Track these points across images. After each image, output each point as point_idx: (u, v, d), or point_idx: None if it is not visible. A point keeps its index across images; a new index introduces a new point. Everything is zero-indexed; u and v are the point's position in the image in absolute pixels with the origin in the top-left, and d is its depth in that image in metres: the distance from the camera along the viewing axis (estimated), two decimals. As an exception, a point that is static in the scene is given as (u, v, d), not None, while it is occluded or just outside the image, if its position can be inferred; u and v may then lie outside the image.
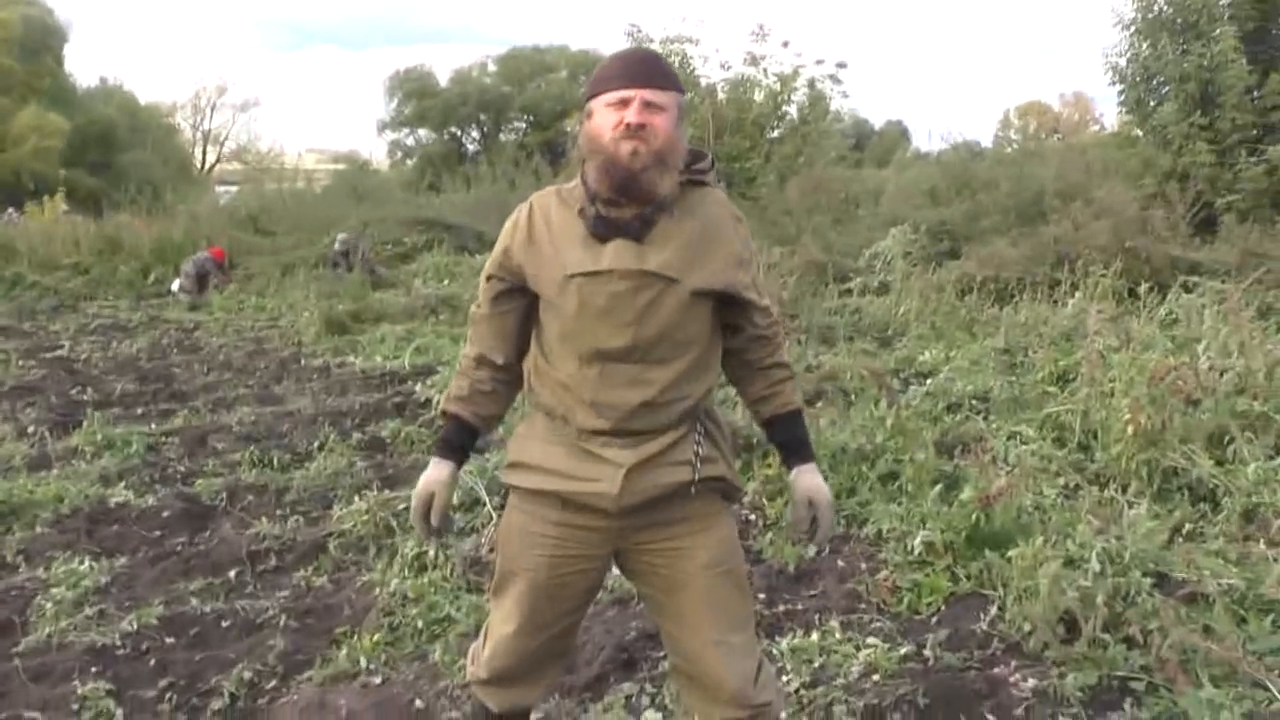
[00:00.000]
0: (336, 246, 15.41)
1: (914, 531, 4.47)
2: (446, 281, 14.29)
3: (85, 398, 8.36)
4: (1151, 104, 14.68)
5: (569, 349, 2.39)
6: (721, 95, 20.53)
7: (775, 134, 21.49)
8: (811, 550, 4.58)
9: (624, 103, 2.30)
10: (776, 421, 2.59)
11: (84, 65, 76.81)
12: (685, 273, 2.35)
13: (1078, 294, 9.65)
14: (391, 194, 25.94)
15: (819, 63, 20.24)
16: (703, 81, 20.56)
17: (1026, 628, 3.66)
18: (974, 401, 6.76)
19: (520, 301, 2.52)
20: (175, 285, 15.23)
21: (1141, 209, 12.40)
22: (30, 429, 7.18)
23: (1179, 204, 12.34)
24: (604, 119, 2.32)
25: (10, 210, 22.32)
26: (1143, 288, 8.91)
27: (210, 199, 28.16)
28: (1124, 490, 5.04)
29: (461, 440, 2.59)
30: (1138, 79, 14.73)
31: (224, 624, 4.14)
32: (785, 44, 19.71)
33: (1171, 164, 13.70)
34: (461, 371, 2.59)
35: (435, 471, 2.57)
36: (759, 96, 20.57)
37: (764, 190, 18.83)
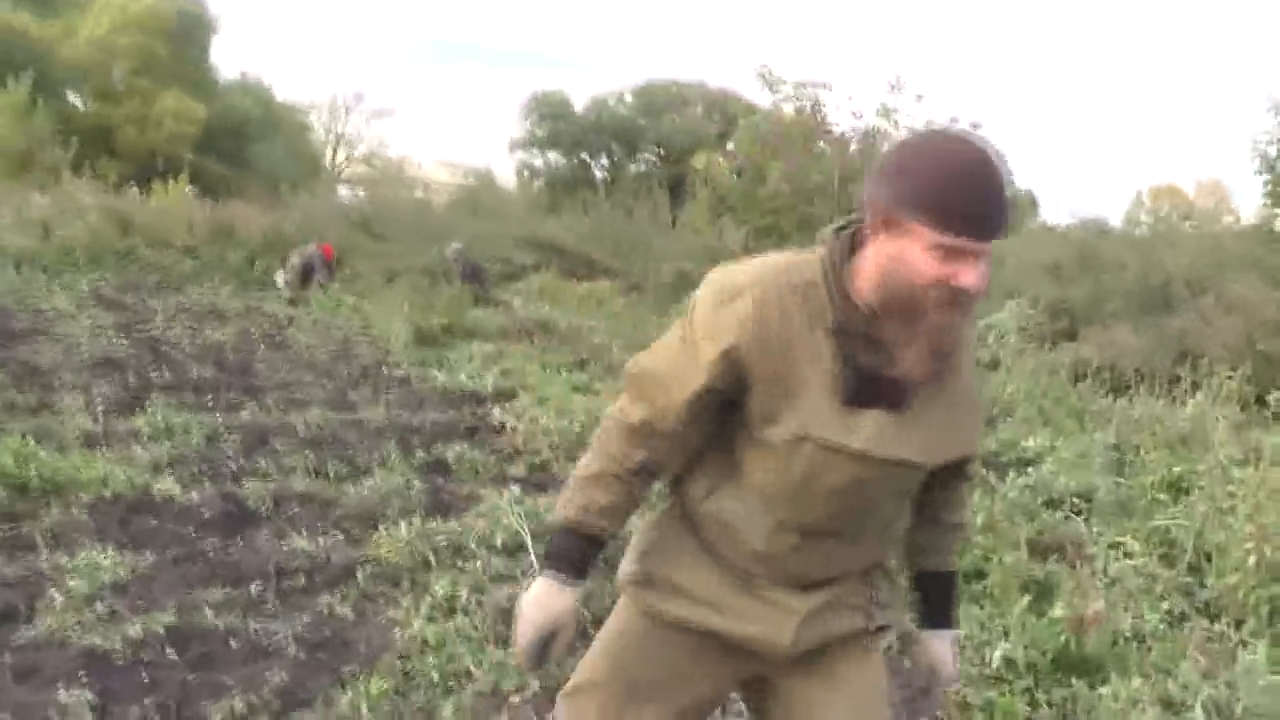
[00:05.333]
0: (449, 255, 15.30)
1: (994, 643, 4.00)
2: (547, 306, 14.10)
3: (160, 379, 8.24)
4: (1300, 196, 13.96)
5: (763, 505, 1.94)
6: (853, 146, 20.18)
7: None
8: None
9: (962, 256, 1.71)
10: (931, 577, 2.26)
11: (227, 58, 79.06)
12: (935, 454, 1.94)
13: (1199, 394, 9.03)
14: (512, 212, 25.92)
15: (953, 120, 19.77)
16: (835, 129, 20.21)
17: (1112, 783, 3.18)
18: (1076, 499, 6.23)
19: (718, 414, 1.95)
20: (279, 278, 15.28)
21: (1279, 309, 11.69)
22: (99, 404, 7.04)
23: (1322, 309, 11.61)
24: (922, 260, 1.72)
25: (131, 184, 22.70)
26: (1273, 396, 8.30)
27: (330, 197, 28.50)
28: (1237, 626, 4.50)
29: (595, 559, 2.06)
30: (1287, 169, 14.02)
31: (231, 643, 3.85)
32: (919, 98, 19.39)
33: (1317, 264, 12.95)
34: (606, 475, 1.98)
35: (560, 599, 2.01)
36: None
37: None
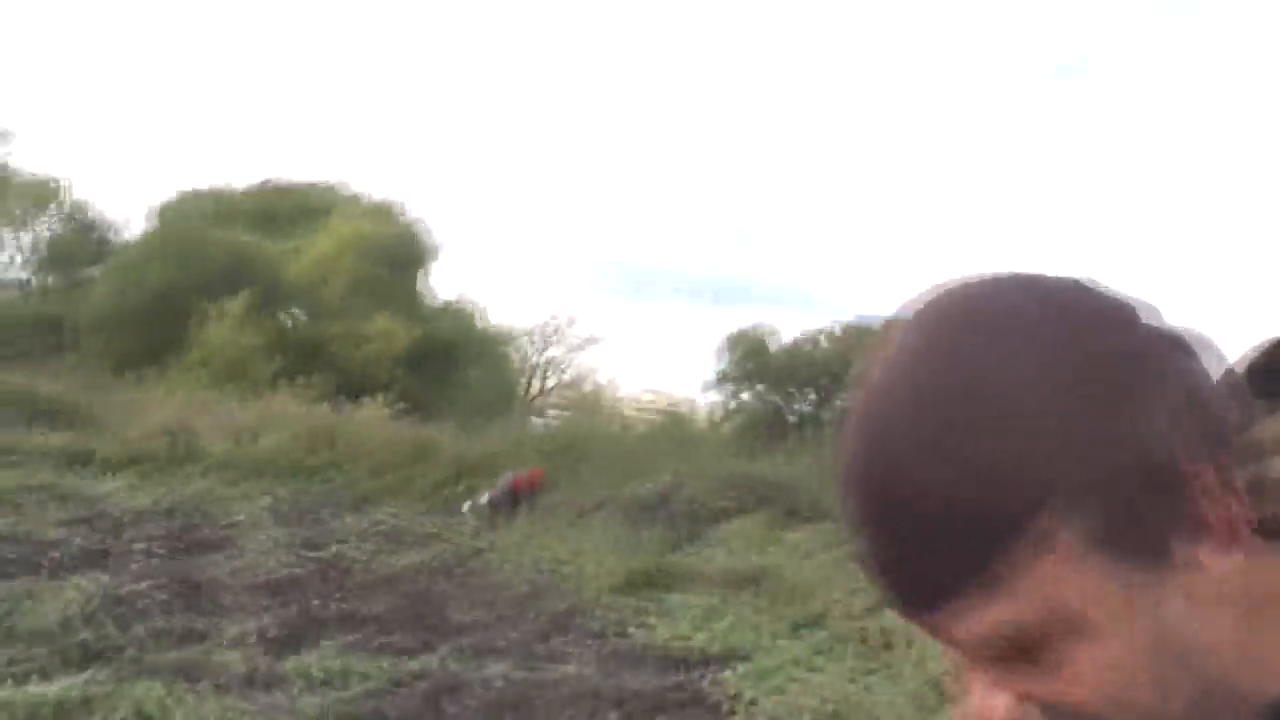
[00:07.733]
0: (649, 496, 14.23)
1: None
2: (755, 556, 12.71)
3: (332, 611, 7.20)
4: None
5: None
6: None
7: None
8: None
9: None
10: None
11: (446, 279, 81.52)
12: None
13: None
14: (709, 449, 24.86)
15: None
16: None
17: None
18: None
19: None
20: (466, 505, 14.47)
21: None
22: (253, 640, 6.00)
23: None
24: None
25: (338, 396, 22.63)
26: None
27: (523, 425, 28.17)
28: None
29: None
30: None
31: None
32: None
33: None
34: None
35: None
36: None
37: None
